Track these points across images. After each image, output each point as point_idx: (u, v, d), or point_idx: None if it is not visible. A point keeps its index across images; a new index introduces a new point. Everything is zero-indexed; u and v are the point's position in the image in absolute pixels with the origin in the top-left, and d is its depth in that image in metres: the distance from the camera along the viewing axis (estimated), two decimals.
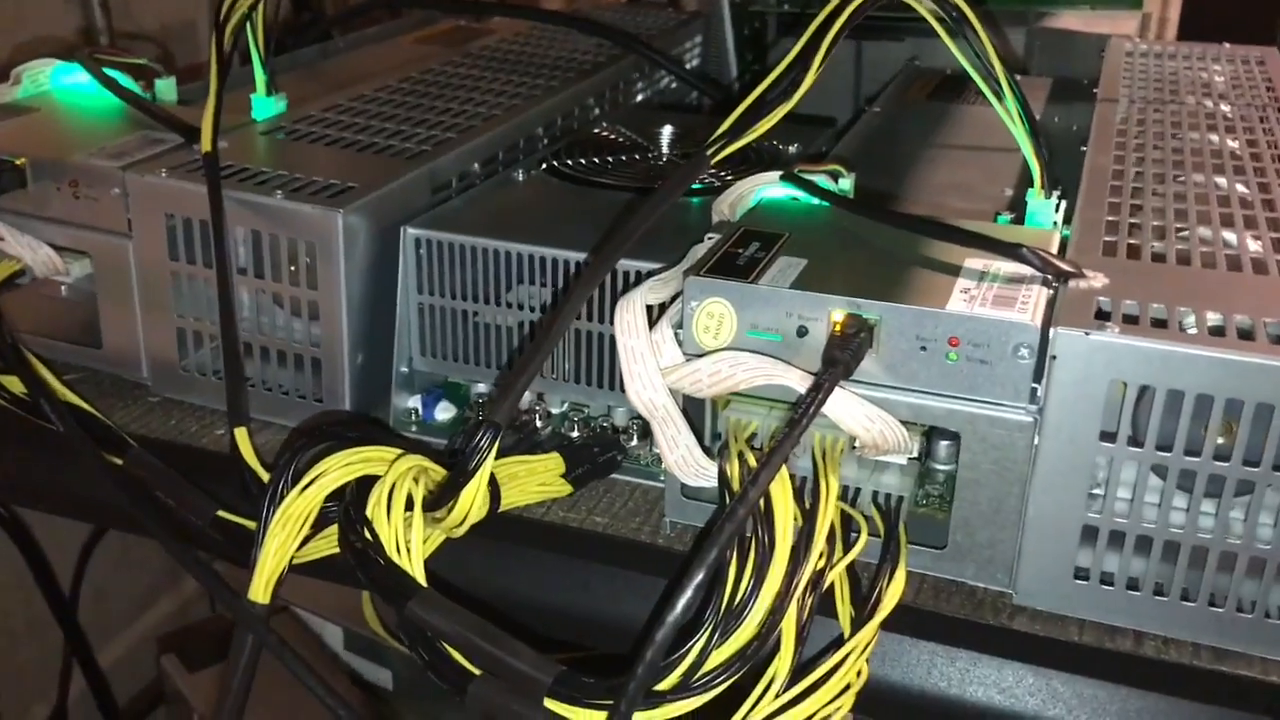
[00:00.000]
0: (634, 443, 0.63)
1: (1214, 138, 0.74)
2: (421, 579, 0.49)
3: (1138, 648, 0.51)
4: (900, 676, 0.54)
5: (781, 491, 0.47)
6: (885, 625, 0.49)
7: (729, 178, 0.65)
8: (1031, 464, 0.51)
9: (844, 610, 0.50)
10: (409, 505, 0.50)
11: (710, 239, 0.59)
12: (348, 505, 0.51)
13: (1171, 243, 0.58)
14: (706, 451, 0.55)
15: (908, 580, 0.50)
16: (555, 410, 0.66)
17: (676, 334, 0.54)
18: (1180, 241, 0.58)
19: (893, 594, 0.49)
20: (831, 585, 0.50)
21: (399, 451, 0.53)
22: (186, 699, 0.99)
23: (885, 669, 0.53)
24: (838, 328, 0.51)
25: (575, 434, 0.64)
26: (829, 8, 0.57)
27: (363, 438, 0.54)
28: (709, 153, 0.57)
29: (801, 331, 0.52)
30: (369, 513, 0.50)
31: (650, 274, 0.58)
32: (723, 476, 0.50)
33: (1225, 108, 0.81)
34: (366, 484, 0.52)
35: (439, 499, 0.50)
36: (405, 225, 0.65)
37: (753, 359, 0.51)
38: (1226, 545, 0.49)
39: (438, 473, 0.52)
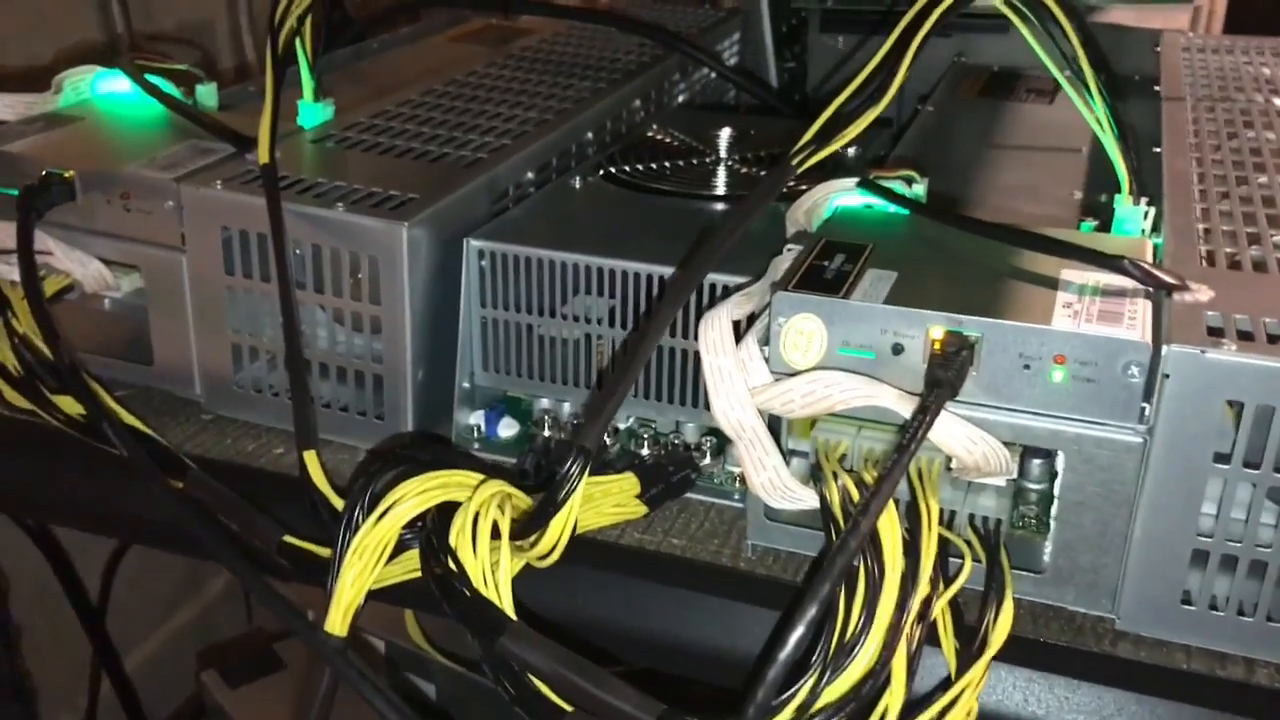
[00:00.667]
0: (707, 460, 0.61)
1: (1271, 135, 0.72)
2: (511, 611, 0.47)
3: (1250, 676, 0.50)
4: (995, 703, 0.52)
5: (889, 521, 0.45)
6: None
7: (799, 185, 0.63)
8: (1139, 486, 0.49)
9: (948, 644, 0.48)
10: (494, 534, 0.48)
11: (790, 250, 0.57)
12: (429, 533, 0.49)
13: (1269, 250, 0.56)
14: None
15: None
16: (622, 425, 0.64)
17: (764, 351, 0.52)
18: (1278, 249, 0.56)
19: (1001, 628, 0.47)
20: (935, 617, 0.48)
21: (481, 476, 0.51)
22: (230, 716, 0.98)
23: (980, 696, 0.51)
24: (937, 345, 0.49)
25: (645, 451, 0.62)
26: (916, 8, 0.55)
27: (438, 461, 0.53)
28: (794, 162, 0.55)
29: (897, 349, 0.50)
30: (453, 542, 0.48)
31: (730, 288, 0.56)
32: (824, 502, 0.48)
33: None
34: (446, 510, 0.50)
35: (526, 528, 0.48)
36: (468, 237, 0.63)
37: (849, 379, 0.49)
38: None
39: (521, 499, 0.51)
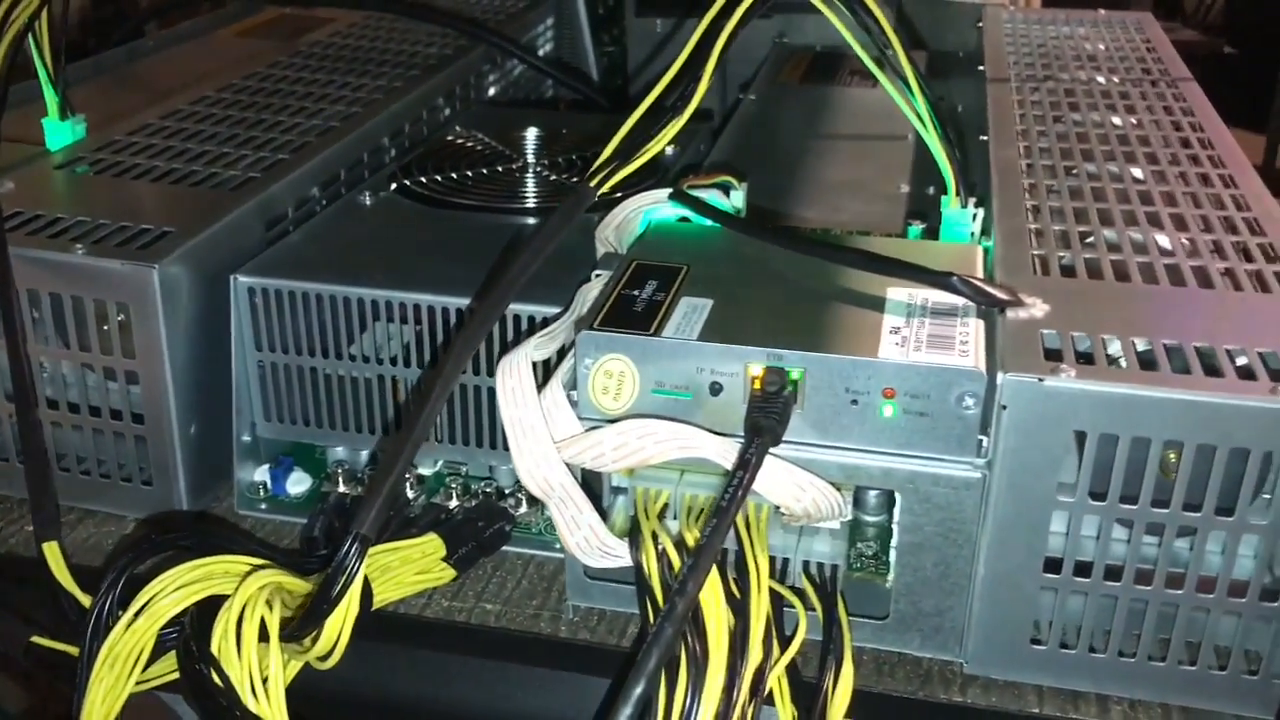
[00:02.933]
0: (523, 509, 0.56)
1: (1108, 117, 0.70)
2: None
3: (1104, 713, 0.46)
4: None
5: (712, 594, 0.40)
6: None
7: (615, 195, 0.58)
8: (981, 523, 0.45)
9: (785, 713, 0.43)
10: (264, 635, 0.42)
11: (598, 276, 0.52)
12: (188, 639, 0.42)
13: (1104, 253, 0.53)
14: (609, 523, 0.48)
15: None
16: (427, 471, 0.58)
17: (570, 396, 0.47)
18: (1113, 251, 0.53)
19: (842, 694, 0.43)
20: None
21: (249, 563, 0.44)
22: None
23: None
24: (757, 384, 0.44)
25: (454, 503, 0.56)
26: (715, 8, 0.50)
27: (203, 545, 0.46)
28: (592, 184, 0.49)
29: (715, 389, 0.45)
30: (215, 648, 0.41)
31: (535, 321, 0.51)
32: (640, 573, 0.43)
33: (1112, 80, 0.77)
34: (211, 606, 0.43)
35: (300, 628, 0.41)
36: (235, 273, 0.55)
37: (664, 428, 0.44)
38: (1197, 601, 0.44)
39: (298, 587, 0.44)
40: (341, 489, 0.57)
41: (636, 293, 0.49)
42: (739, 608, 0.42)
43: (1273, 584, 0.44)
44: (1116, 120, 0.69)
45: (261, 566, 0.44)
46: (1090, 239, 0.54)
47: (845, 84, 0.90)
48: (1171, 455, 0.44)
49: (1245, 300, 0.49)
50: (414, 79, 0.81)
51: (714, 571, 0.40)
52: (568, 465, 0.46)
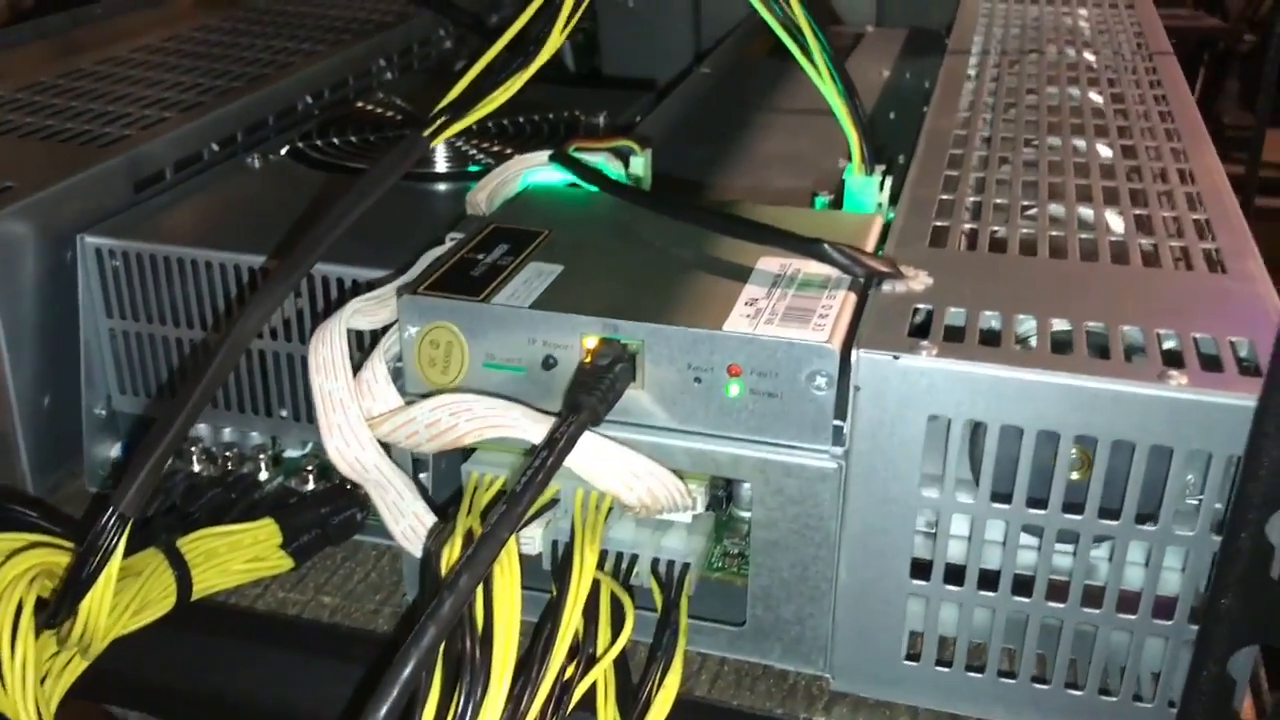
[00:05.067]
0: None
1: (1074, 91, 0.64)
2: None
3: None
4: None
5: (507, 590, 0.35)
6: None
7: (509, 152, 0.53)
8: (840, 520, 0.40)
9: (607, 716, 0.38)
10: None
11: (452, 239, 0.47)
12: None
13: (1016, 225, 0.47)
14: (442, 514, 0.43)
15: (694, 671, 0.39)
16: (296, 453, 0.54)
17: (398, 370, 0.42)
18: (1028, 223, 0.47)
19: (664, 700, 0.38)
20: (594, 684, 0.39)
21: (27, 539, 0.40)
22: None
23: None
24: (588, 358, 0.40)
25: (310, 487, 0.52)
26: None
27: None
28: (426, 133, 0.44)
29: (549, 363, 0.41)
30: None
31: (363, 284, 0.46)
32: (426, 563, 0.38)
33: (1090, 56, 0.71)
34: None
35: (53, 613, 0.37)
36: (83, 233, 0.52)
37: (481, 404, 0.39)
38: (1084, 616, 0.39)
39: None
40: (196, 468, 0.53)
41: (482, 256, 0.44)
42: (550, 611, 0.37)
43: (1199, 601, 0.38)
44: (1087, 94, 0.64)
45: (37, 545, 0.40)
46: (1007, 212, 0.49)
47: None
48: (1073, 451, 0.38)
49: (1162, 278, 0.43)
50: (342, 43, 0.77)
51: (513, 566, 0.36)
52: (387, 446, 0.41)
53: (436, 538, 0.38)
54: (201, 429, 0.55)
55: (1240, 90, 2.23)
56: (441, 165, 0.62)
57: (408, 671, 0.32)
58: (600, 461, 0.39)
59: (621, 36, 1.00)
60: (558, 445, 0.36)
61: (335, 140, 0.64)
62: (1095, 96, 0.63)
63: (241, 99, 0.65)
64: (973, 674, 0.41)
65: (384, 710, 0.31)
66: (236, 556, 0.46)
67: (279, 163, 0.62)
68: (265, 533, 0.47)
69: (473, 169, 0.60)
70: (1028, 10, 0.84)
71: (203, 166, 0.62)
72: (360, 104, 0.69)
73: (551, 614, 0.37)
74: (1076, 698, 0.40)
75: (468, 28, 0.90)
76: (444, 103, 0.44)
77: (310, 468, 0.52)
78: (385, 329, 0.44)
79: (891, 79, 0.81)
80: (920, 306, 0.40)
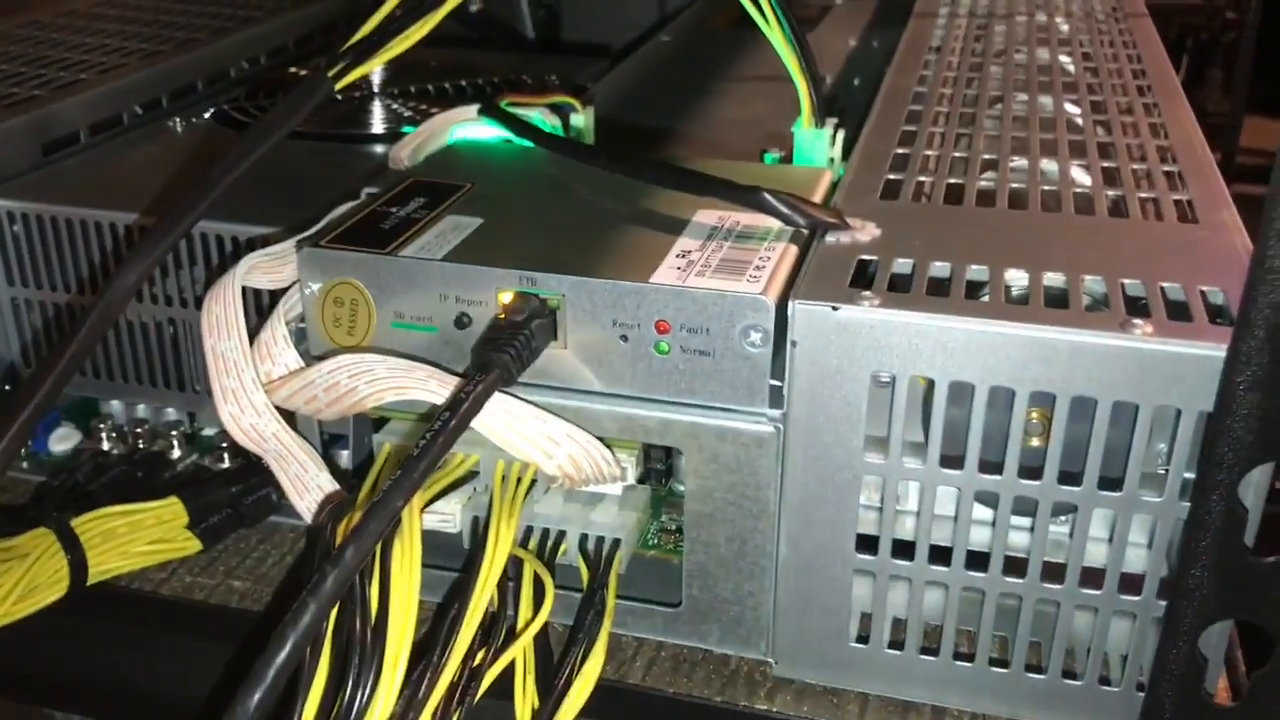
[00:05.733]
0: None
1: (1044, 53, 0.61)
2: None
3: None
4: None
5: (405, 564, 0.32)
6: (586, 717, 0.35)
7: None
8: (779, 489, 0.36)
9: (524, 704, 0.35)
10: None
11: (368, 194, 0.44)
12: None
13: (974, 179, 0.44)
14: (355, 487, 0.40)
15: (628, 656, 0.36)
16: (211, 431, 0.50)
17: (302, 331, 0.39)
18: (987, 176, 0.44)
19: (583, 684, 0.35)
20: (512, 665, 0.36)
21: None
22: None
23: None
24: (503, 314, 0.36)
25: (225, 465, 0.48)
26: None
27: None
28: (331, 73, 0.41)
29: (462, 321, 0.37)
30: None
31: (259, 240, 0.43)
32: (317, 539, 0.35)
33: (1061, 21, 0.68)
34: None
35: None
36: None
37: (384, 365, 0.36)
38: (1045, 593, 0.36)
39: None
40: (106, 446, 0.50)
41: (395, 210, 0.41)
42: (458, 592, 0.34)
43: (1168, 575, 0.35)
44: (1056, 56, 0.60)
45: None
46: (965, 166, 0.45)
47: None
48: (1033, 414, 0.35)
49: (1129, 228, 0.40)
50: (282, 9, 0.73)
51: (413, 539, 0.32)
52: (291, 416, 0.38)
53: (332, 510, 0.35)
54: (114, 405, 0.51)
55: (1223, 79, 2.21)
56: (378, 126, 0.59)
57: (283, 656, 0.28)
58: (513, 425, 0.35)
59: (583, 4, 0.97)
60: (462, 406, 0.33)
61: (266, 104, 0.60)
62: (1065, 58, 0.60)
63: (168, 62, 0.62)
64: (926, 657, 0.37)
65: (255, 698, 0.28)
66: (138, 538, 0.43)
67: (202, 125, 0.58)
68: (170, 512, 0.44)
69: (407, 130, 0.57)
70: None
71: (123, 130, 0.58)
72: (294, 69, 0.66)
73: (459, 594, 0.34)
74: (1038, 681, 0.37)
75: None
76: (350, 41, 0.41)
77: (225, 444, 0.49)
78: (291, 289, 0.40)
79: (859, 48, 0.78)
80: (866, 258, 0.37)
